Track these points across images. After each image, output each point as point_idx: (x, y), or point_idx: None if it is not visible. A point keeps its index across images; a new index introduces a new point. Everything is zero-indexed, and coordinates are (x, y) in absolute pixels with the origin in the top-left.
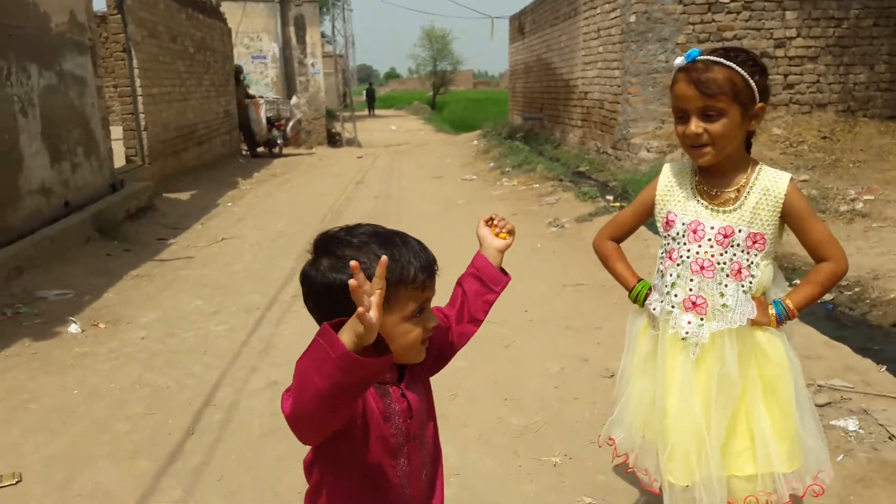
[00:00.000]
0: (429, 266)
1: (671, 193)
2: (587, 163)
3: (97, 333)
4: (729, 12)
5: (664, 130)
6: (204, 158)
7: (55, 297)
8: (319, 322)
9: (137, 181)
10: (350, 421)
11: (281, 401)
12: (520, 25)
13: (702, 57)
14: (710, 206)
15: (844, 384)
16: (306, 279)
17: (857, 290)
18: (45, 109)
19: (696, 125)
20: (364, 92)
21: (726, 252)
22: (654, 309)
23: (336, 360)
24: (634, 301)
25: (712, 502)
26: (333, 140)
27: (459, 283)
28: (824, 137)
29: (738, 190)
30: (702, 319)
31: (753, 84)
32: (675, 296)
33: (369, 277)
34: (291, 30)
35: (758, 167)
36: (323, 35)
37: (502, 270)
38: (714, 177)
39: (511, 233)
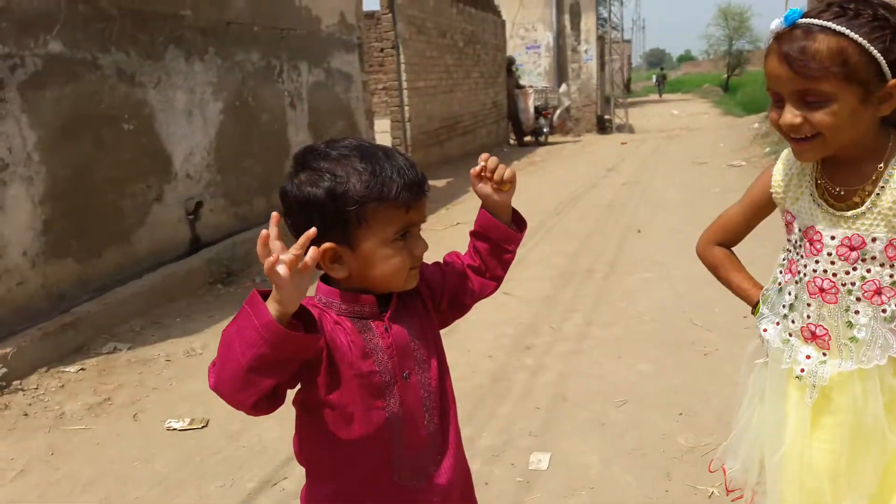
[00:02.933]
0: (415, 185)
1: (788, 187)
2: None
3: None
4: None
5: None
6: (467, 148)
7: None
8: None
9: None
10: (297, 375)
11: (207, 373)
12: None
13: (803, 20)
14: (831, 210)
15: None
16: (283, 194)
17: None
18: (312, 103)
19: (791, 114)
20: (654, 76)
21: (855, 269)
22: (763, 330)
23: (259, 328)
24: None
25: None
26: (603, 126)
27: (472, 236)
28: None
29: (872, 184)
30: (824, 354)
31: (878, 55)
32: (793, 322)
33: (344, 194)
34: (566, 17)
35: None
36: (606, 21)
37: (516, 220)
38: (840, 168)
39: (511, 181)
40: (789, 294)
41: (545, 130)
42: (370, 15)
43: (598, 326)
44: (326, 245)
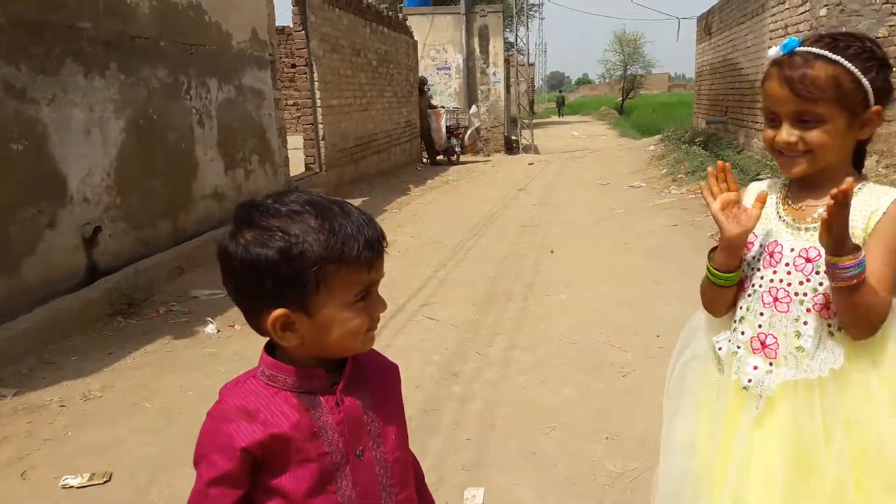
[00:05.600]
0: (375, 242)
1: None
2: (770, 170)
3: (230, 335)
4: None
5: None
6: (382, 166)
7: (206, 297)
8: (242, 307)
9: (313, 187)
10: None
11: None
12: (707, 25)
13: (802, 48)
14: (793, 223)
15: None
16: (224, 256)
17: None
18: (222, 121)
19: (787, 132)
20: (555, 99)
21: (809, 280)
22: (719, 348)
23: None
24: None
25: None
26: (511, 147)
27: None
28: None
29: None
30: (770, 364)
31: (866, 83)
32: (742, 333)
33: (301, 255)
34: (476, 40)
35: (862, 182)
36: (512, 45)
37: None
38: (805, 189)
39: None
40: (741, 308)
41: (457, 150)
42: (280, 30)
43: (521, 350)
44: (278, 312)
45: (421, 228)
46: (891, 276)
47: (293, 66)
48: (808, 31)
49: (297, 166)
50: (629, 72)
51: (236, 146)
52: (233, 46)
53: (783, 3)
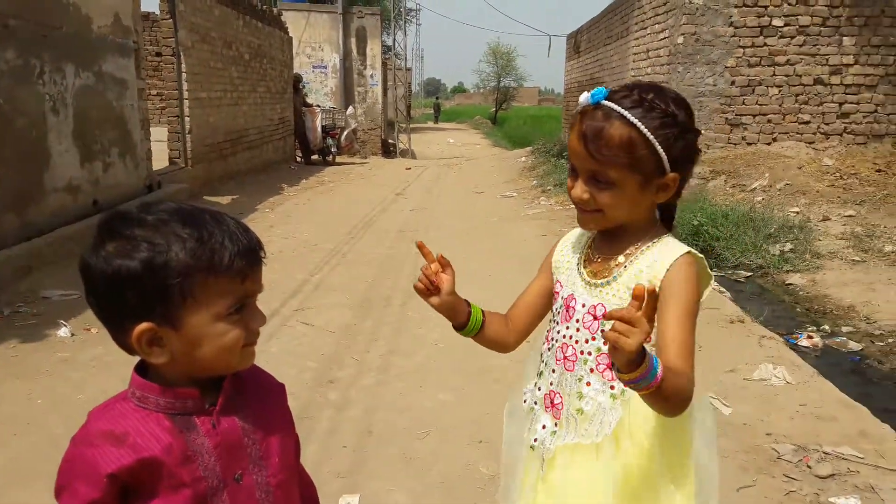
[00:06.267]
0: (250, 251)
1: (564, 258)
2: None
3: (86, 338)
4: (782, 36)
5: (708, 156)
6: (254, 163)
7: (59, 298)
8: (106, 324)
9: (177, 183)
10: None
11: None
12: (576, 44)
13: (606, 102)
14: (587, 278)
15: (854, 453)
16: (86, 269)
17: (890, 341)
18: (79, 109)
19: (581, 189)
20: (431, 105)
21: (594, 339)
22: (525, 401)
23: None
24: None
25: None
26: (388, 151)
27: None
28: (879, 171)
29: (625, 257)
30: (556, 425)
31: (661, 151)
32: (539, 389)
33: (165, 265)
34: (353, 41)
35: (660, 238)
36: (390, 49)
37: None
38: (607, 241)
39: None
40: (542, 363)
41: (333, 150)
42: (145, 16)
43: (400, 356)
44: (143, 326)
45: (295, 230)
46: (689, 342)
47: (158, 54)
48: (668, 56)
49: (160, 160)
50: (502, 83)
51: (94, 137)
52: (93, 31)
53: (645, 28)
